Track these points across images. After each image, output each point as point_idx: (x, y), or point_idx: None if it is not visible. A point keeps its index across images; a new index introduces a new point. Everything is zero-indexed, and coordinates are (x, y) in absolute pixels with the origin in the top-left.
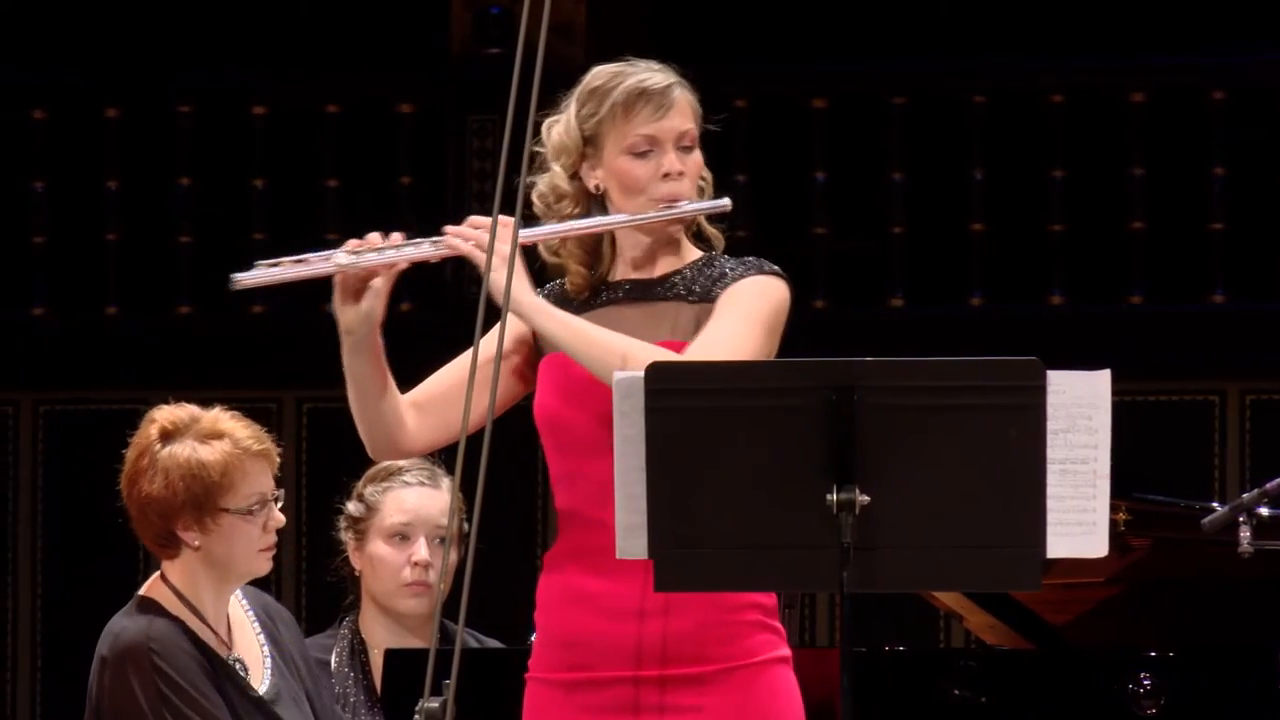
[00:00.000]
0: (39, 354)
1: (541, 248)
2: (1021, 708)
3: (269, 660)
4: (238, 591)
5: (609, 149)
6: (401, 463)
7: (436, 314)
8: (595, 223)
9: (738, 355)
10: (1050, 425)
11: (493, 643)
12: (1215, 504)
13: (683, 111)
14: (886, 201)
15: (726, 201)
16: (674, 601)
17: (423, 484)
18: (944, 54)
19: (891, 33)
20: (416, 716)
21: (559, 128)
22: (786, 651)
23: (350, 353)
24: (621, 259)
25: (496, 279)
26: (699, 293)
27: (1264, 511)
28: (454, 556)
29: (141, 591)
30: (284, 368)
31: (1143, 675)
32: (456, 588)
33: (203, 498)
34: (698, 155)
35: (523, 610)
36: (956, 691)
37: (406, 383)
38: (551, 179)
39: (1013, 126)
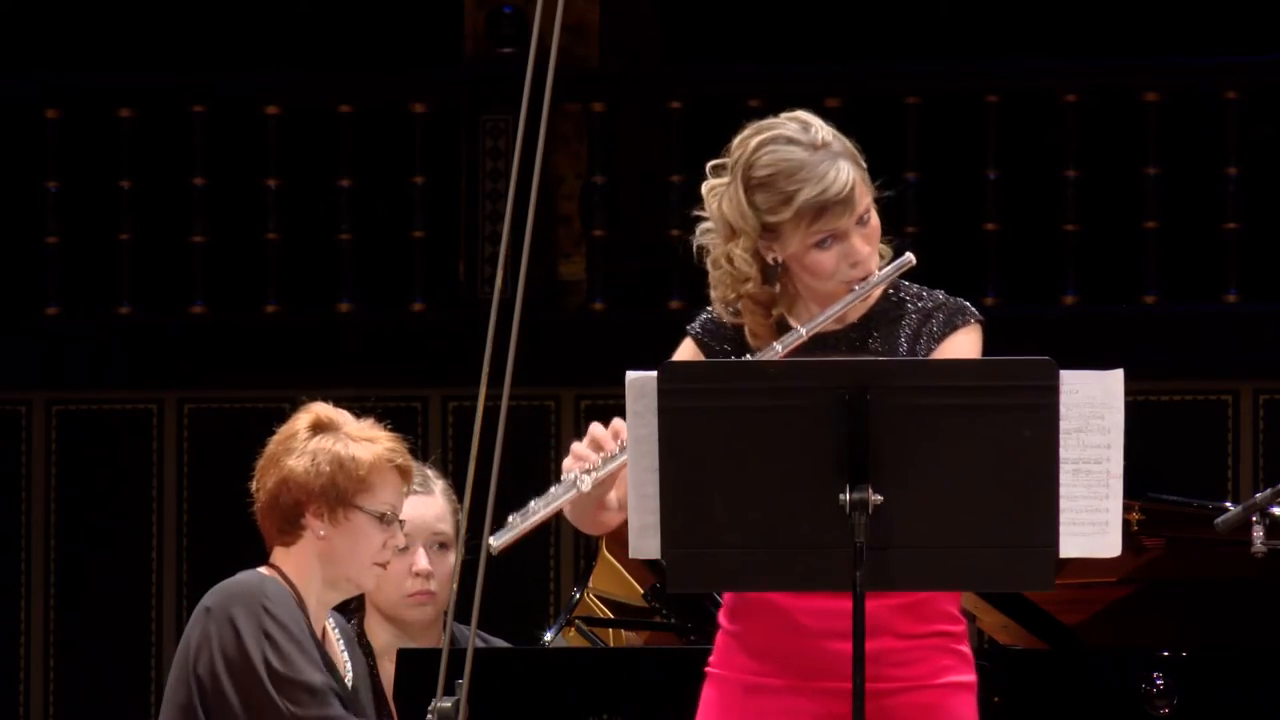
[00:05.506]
0: (52, 354)
1: (721, 311)
2: (1034, 708)
3: (350, 677)
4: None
5: (793, 242)
6: None
7: (449, 313)
8: (793, 340)
9: None
10: (1063, 425)
11: (499, 643)
12: (1228, 504)
13: (861, 194)
14: (901, 201)
15: (910, 258)
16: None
17: (415, 491)
18: (958, 54)
19: (905, 32)
20: (429, 716)
21: (729, 206)
22: (969, 678)
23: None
24: (803, 304)
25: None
26: (904, 347)
27: (1277, 511)
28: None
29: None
30: (298, 367)
31: (1155, 675)
32: (465, 590)
33: (344, 489)
34: (875, 220)
35: (531, 610)
36: None
37: (423, 384)
38: (730, 255)
39: (1027, 126)
